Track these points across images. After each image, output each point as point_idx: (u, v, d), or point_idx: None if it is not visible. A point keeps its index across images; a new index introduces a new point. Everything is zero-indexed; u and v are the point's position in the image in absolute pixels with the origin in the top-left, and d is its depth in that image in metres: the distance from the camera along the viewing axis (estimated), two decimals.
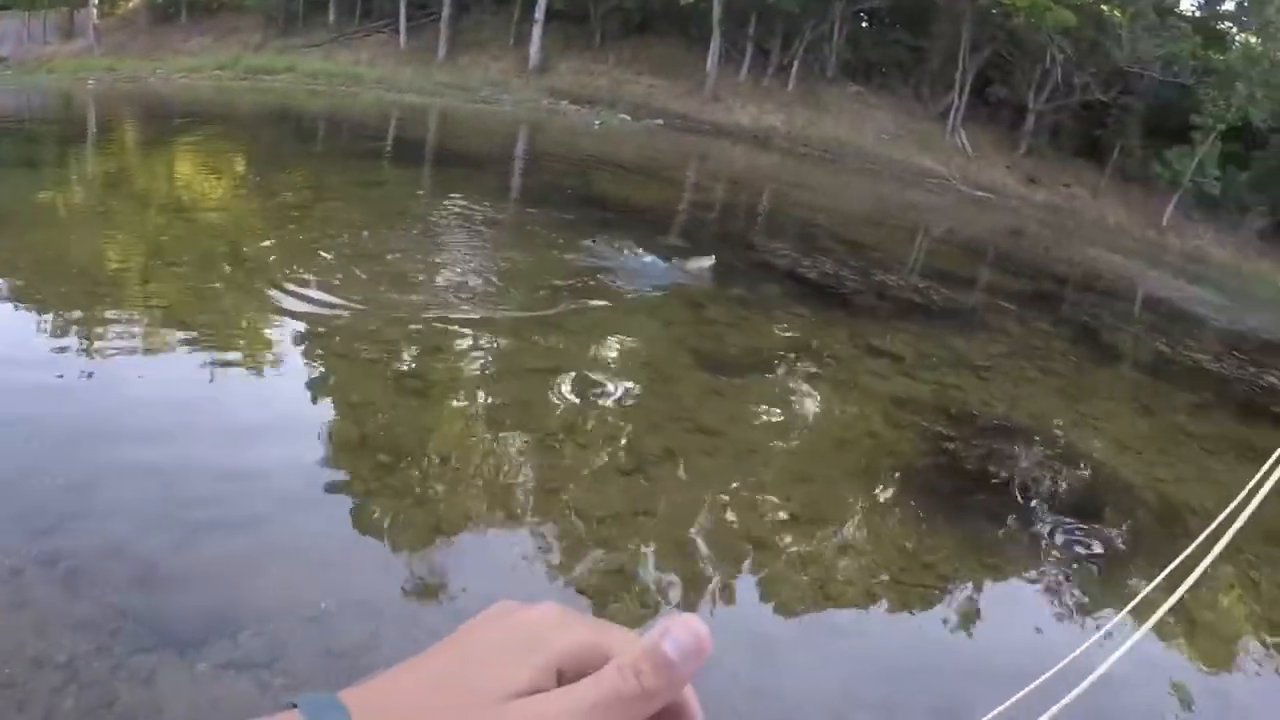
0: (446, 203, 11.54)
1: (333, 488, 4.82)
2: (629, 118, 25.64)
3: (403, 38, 30.21)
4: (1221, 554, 2.53)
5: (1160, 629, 5.35)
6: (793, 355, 8.36)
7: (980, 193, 29.47)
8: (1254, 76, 27.22)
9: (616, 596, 4.39)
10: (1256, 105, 27.72)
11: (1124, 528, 6.56)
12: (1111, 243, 27.41)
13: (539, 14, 28.23)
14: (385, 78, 22.66)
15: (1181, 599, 2.36)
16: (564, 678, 0.47)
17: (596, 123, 23.53)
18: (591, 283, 9.10)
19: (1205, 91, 28.46)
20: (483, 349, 7.17)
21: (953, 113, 31.51)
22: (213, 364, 6.03)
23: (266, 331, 6.80)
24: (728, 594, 4.66)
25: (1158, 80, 29.35)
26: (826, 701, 4.04)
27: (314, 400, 5.92)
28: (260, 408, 5.81)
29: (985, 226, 24.32)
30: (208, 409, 5.56)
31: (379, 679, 0.47)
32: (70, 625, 3.42)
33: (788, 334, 8.89)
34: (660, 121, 26.65)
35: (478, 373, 6.78)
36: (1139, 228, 31.18)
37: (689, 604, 4.42)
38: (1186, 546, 6.55)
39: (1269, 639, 5.48)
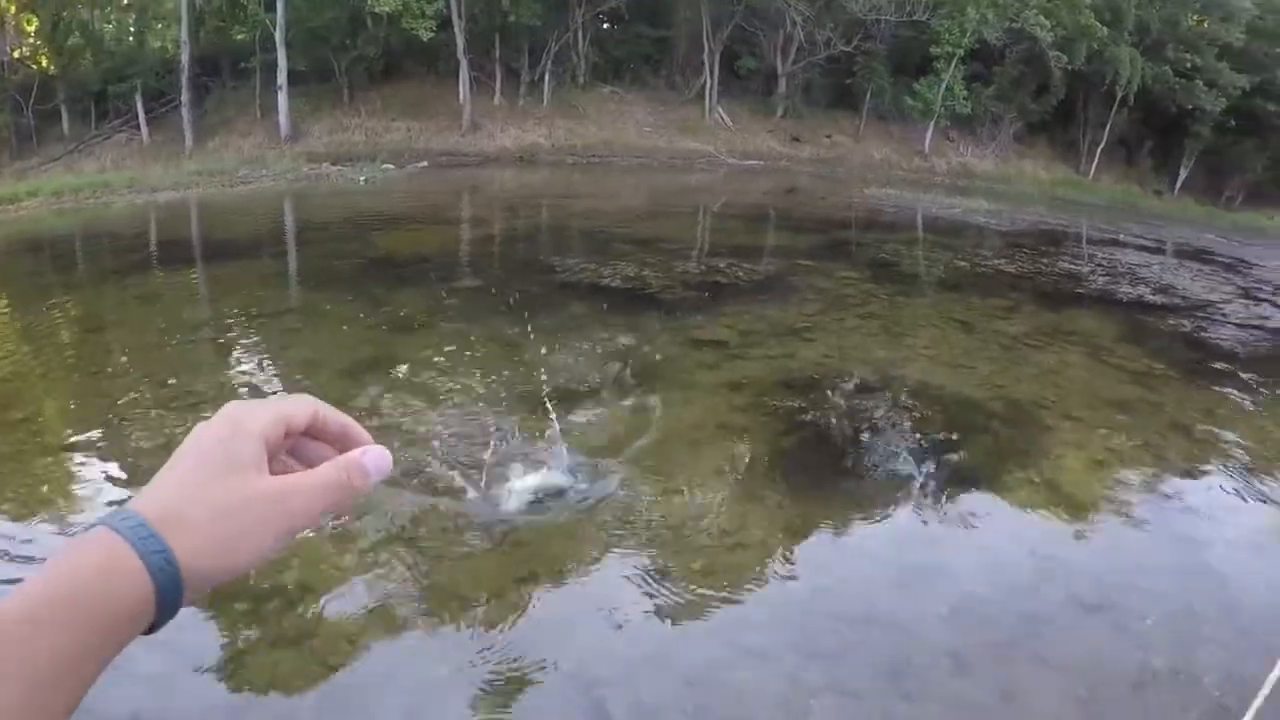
0: (226, 305, 10.88)
1: None
2: (393, 166, 25.18)
3: (144, 134, 28.48)
4: None
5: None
6: (620, 367, 8.32)
7: (750, 162, 30.60)
8: (981, 0, 29.56)
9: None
10: (988, 26, 30.66)
11: (985, 439, 6.87)
12: (883, 178, 29.06)
13: (281, 80, 27.31)
14: (135, 180, 21.24)
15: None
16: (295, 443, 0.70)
17: (362, 179, 22.97)
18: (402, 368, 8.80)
19: (940, 24, 31.06)
20: None
21: (708, 93, 32.66)
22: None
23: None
24: (631, 621, 4.55)
25: (894, 22, 31.39)
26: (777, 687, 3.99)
27: None
28: None
29: (762, 192, 25.22)
30: None
31: (154, 485, 0.60)
32: None
33: (609, 348, 8.85)
34: (425, 163, 26.31)
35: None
36: (905, 159, 33.27)
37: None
38: (1047, 438, 6.95)
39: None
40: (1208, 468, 6.81)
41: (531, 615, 4.51)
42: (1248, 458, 7.06)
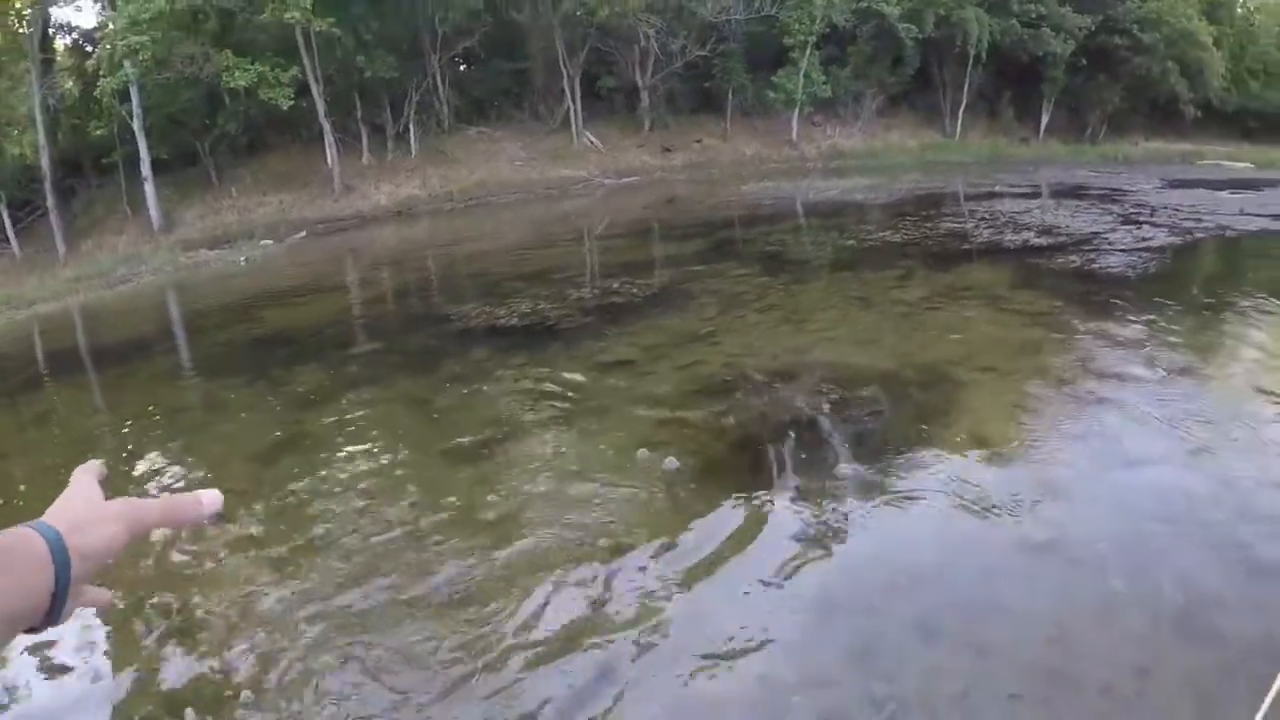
0: (124, 411, 10.39)
1: None
2: (271, 241, 24.65)
3: (15, 246, 27.30)
4: None
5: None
6: (531, 405, 8.24)
7: (625, 179, 30.87)
8: None
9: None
10: (835, 10, 32.23)
11: (906, 406, 7.00)
12: (757, 173, 29.64)
13: (145, 171, 26.53)
14: (10, 296, 20.23)
15: None
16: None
17: (242, 259, 22.43)
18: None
19: (788, 15, 32.30)
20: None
21: (573, 118, 32.88)
22: None
23: None
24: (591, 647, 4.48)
25: (744, 20, 32.31)
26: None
27: None
28: None
29: (642, 206, 25.45)
30: None
31: (55, 508, 0.91)
32: None
33: (516, 387, 8.76)
34: (303, 233, 25.83)
35: None
36: (775, 150, 34.03)
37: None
38: (964, 393, 7.10)
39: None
40: (1121, 393, 7.05)
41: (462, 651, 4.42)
42: (1156, 376, 7.34)
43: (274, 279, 19.15)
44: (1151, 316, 9.07)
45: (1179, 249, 13.25)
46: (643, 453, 6.63)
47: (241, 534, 6.15)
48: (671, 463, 6.37)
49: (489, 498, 6.34)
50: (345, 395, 9.09)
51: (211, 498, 1.01)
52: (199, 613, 5.23)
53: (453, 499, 6.34)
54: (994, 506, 5.41)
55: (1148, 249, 12.76)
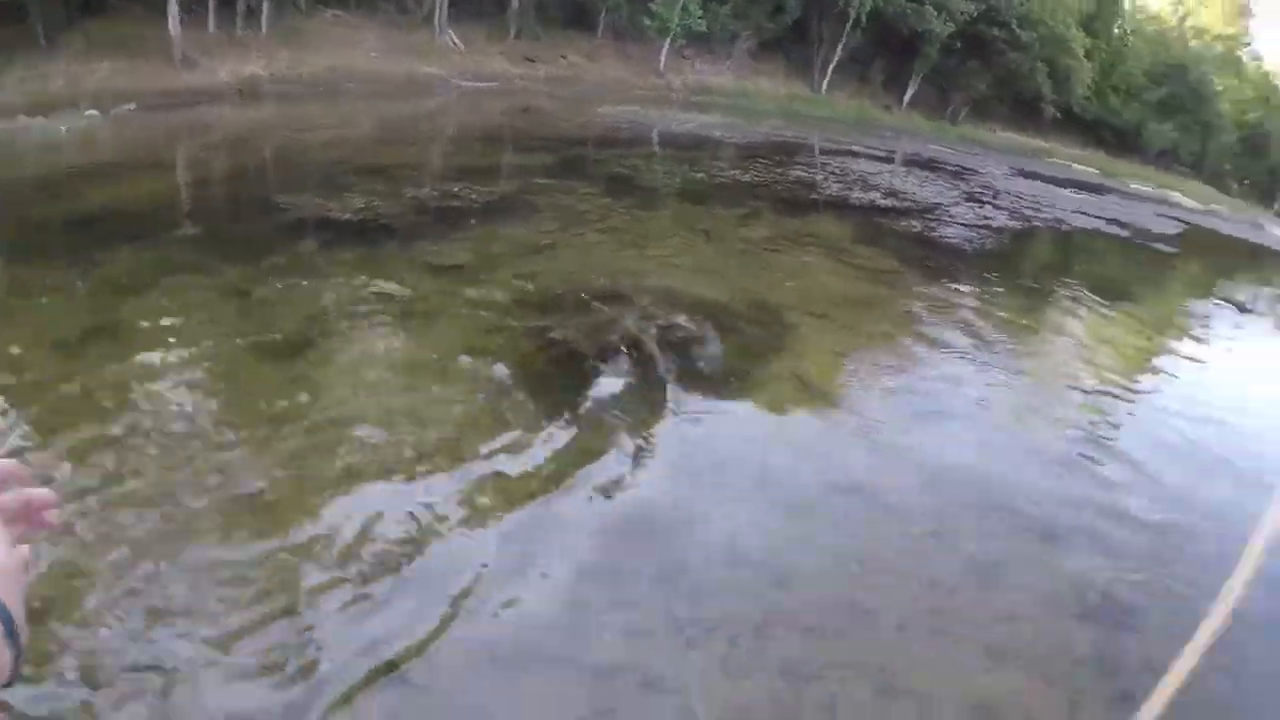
0: None
1: None
2: (98, 112, 22.87)
3: None
4: None
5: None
6: (357, 303, 7.97)
7: (483, 84, 30.03)
8: None
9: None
10: None
11: (735, 340, 7.12)
12: (619, 97, 29.34)
13: None
14: None
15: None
16: None
17: (64, 128, 20.75)
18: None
19: None
20: None
21: (437, 15, 31.60)
22: None
23: None
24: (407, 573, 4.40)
25: None
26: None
27: None
28: None
29: (497, 113, 24.87)
30: None
31: None
32: None
33: (343, 284, 8.46)
34: (133, 105, 24.02)
35: None
36: (641, 78, 33.73)
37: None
38: (794, 335, 7.27)
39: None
40: (940, 356, 7.39)
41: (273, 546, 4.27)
42: (974, 345, 7.72)
43: (99, 152, 17.82)
44: (980, 290, 9.51)
45: (1016, 233, 13.94)
46: (465, 360, 6.52)
47: (36, 426, 5.76)
48: (500, 370, 6.30)
49: (302, 398, 6.12)
50: (162, 282, 8.55)
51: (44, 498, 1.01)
52: None
53: (264, 400, 6.09)
54: (807, 446, 5.58)
55: (987, 227, 13.34)
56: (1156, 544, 5.13)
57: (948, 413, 6.30)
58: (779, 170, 16.53)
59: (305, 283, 8.30)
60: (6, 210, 13.22)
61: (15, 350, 7.03)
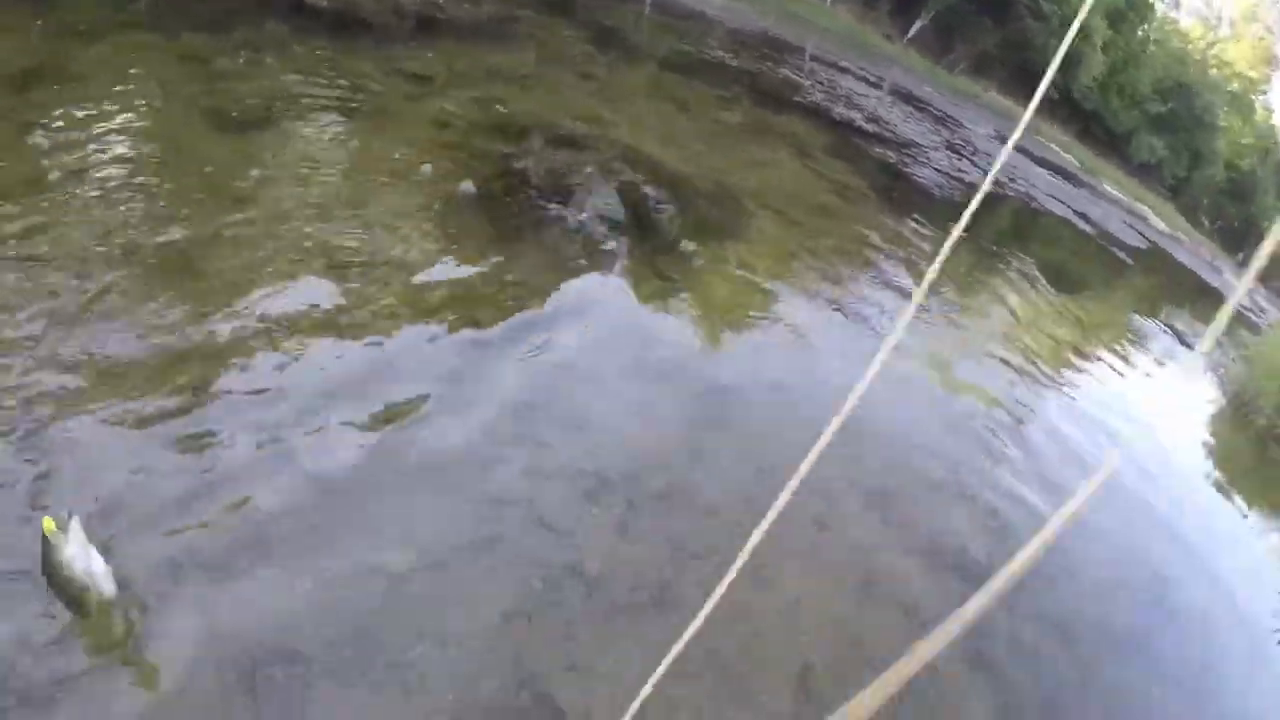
0: None
1: None
2: None
3: None
4: None
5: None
6: (318, 91, 7.80)
7: None
8: None
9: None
10: None
11: (692, 212, 7.20)
12: None
13: None
14: None
15: None
16: None
17: None
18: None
19: None
20: None
21: None
22: None
23: None
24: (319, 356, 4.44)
25: None
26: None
27: None
28: None
29: None
30: None
31: None
32: None
33: (307, 69, 8.25)
34: None
35: None
36: None
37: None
38: (749, 223, 7.38)
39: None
40: (874, 286, 7.57)
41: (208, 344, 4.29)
42: (911, 286, 7.91)
43: None
44: (937, 236, 9.68)
45: (986, 194, 14.12)
46: (426, 168, 6.49)
47: None
48: (455, 187, 6.29)
49: (251, 172, 6.04)
50: (119, 35, 8.23)
51: None
52: None
53: (210, 168, 5.98)
54: (741, 339, 5.72)
55: (960, 180, 13.50)
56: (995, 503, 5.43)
57: (867, 342, 6.50)
58: (767, 64, 16.41)
59: (270, 62, 8.09)
60: None
61: None
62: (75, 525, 2.85)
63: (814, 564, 4.11)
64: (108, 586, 2.96)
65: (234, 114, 6.64)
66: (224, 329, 4.32)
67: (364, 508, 3.57)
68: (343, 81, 7.98)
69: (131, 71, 7.31)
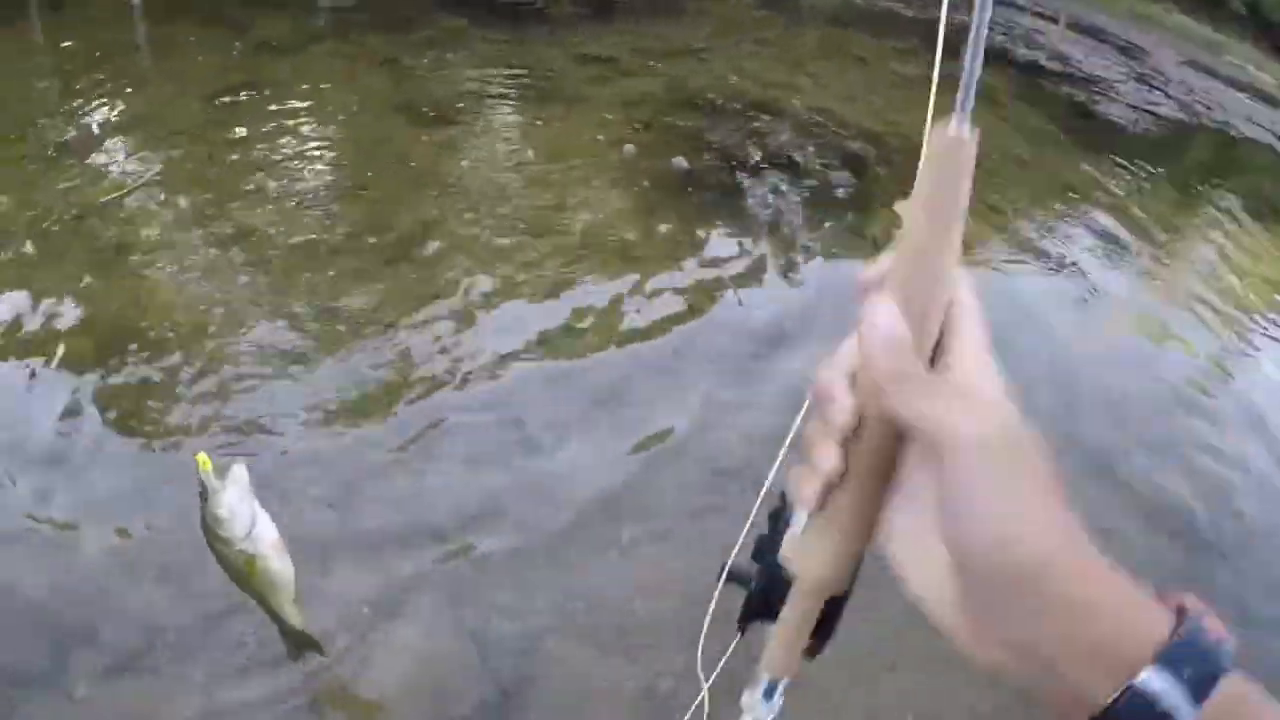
0: (65, 49, 9.78)
1: None
2: None
3: None
4: None
5: None
6: (504, 81, 8.25)
7: None
8: None
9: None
10: None
11: (877, 171, 7.32)
12: None
13: None
14: None
15: None
16: None
17: None
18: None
19: None
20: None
21: None
22: None
23: None
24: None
25: None
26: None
27: None
28: None
29: None
30: None
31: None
32: None
33: (493, 64, 8.72)
34: None
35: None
36: None
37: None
38: None
39: None
40: (1090, 228, 7.52)
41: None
42: (1113, 223, 7.79)
43: None
44: (1130, 175, 9.44)
45: (1180, 126, 13.56)
46: (629, 148, 6.84)
47: (183, 173, 6.21)
48: (680, 163, 6.62)
49: (455, 163, 6.52)
50: (311, 47, 8.89)
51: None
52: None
53: (413, 161, 6.48)
54: None
55: (1152, 113, 13.05)
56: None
57: (1067, 295, 6.49)
58: (936, 9, 16.12)
59: (454, 56, 8.59)
60: None
61: (160, 104, 7.45)
62: (241, 471, 2.31)
63: None
64: (278, 563, 2.43)
65: (428, 108, 7.11)
66: (445, 313, 4.84)
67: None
68: (528, 69, 8.40)
69: (327, 80, 7.94)
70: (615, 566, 3.68)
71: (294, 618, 2.62)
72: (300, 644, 2.81)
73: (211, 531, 2.31)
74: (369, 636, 3.26)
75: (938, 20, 0.81)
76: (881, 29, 12.75)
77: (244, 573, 2.40)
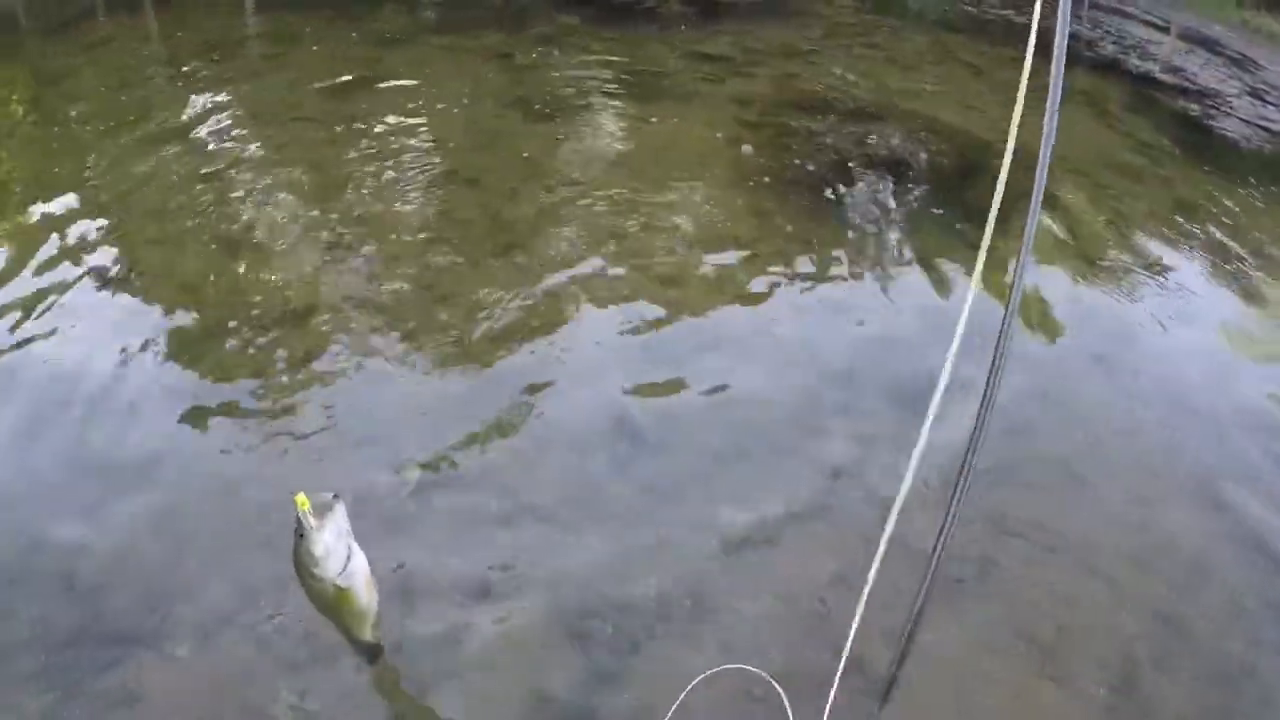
0: (187, 39, 10.29)
1: None
2: None
3: None
4: None
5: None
6: (616, 77, 8.49)
7: None
8: None
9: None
10: None
11: (990, 179, 7.36)
12: None
13: None
14: None
15: None
16: None
17: None
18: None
19: None
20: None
21: None
22: None
23: None
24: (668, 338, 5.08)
25: None
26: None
27: None
28: None
29: None
30: None
31: None
32: None
33: (608, 60, 8.96)
34: None
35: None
36: None
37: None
38: (1055, 189, 7.49)
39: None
40: (1203, 244, 7.48)
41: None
42: (1226, 243, 7.70)
43: None
44: (1246, 193, 9.30)
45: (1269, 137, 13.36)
46: (747, 148, 7.03)
47: (300, 158, 6.56)
48: (766, 162, 6.81)
49: (568, 156, 6.76)
50: (425, 39, 9.23)
51: None
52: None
53: (526, 152, 6.73)
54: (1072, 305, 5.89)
55: (1268, 129, 12.86)
56: None
57: (1178, 312, 6.46)
58: (1050, 18, 15.99)
59: (566, 53, 8.87)
60: None
61: (282, 93, 7.82)
62: (340, 510, 2.39)
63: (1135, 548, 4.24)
64: (366, 597, 2.56)
65: (541, 104, 7.36)
66: (558, 297, 5.24)
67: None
68: (640, 67, 8.63)
69: (441, 71, 8.23)
70: None
71: (369, 637, 2.79)
72: (372, 655, 3.03)
73: (305, 568, 2.42)
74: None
75: (1050, 29, 0.96)
76: (994, 36, 12.73)
77: (333, 604, 2.55)
